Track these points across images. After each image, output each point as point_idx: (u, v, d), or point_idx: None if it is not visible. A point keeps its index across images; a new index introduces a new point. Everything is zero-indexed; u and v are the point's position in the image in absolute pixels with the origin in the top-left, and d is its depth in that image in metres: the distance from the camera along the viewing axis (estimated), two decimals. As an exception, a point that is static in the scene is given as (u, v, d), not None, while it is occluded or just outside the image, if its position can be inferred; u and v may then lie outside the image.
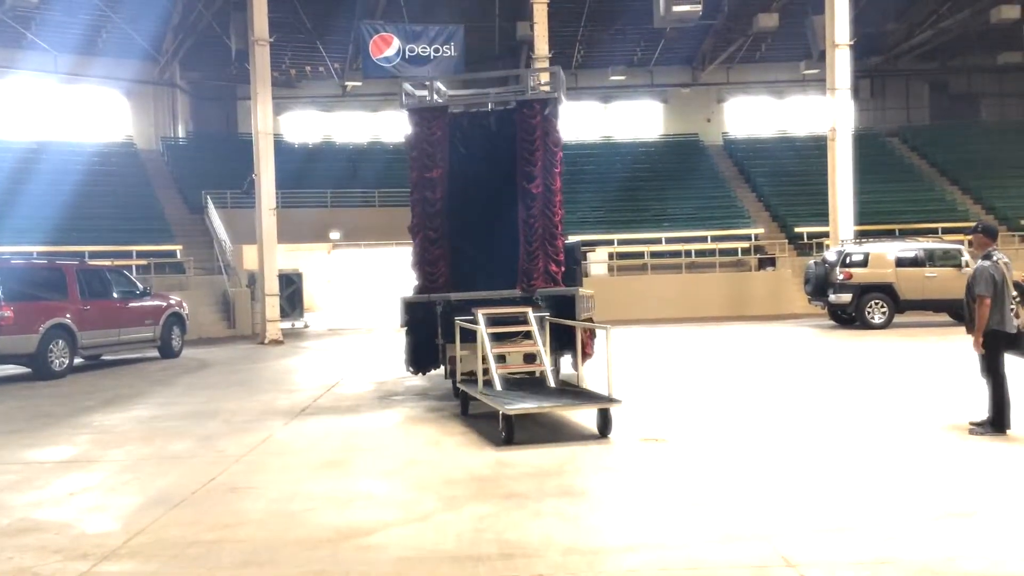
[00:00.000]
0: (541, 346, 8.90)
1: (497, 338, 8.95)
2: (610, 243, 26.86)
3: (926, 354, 14.10)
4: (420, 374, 10.95)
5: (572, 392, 8.59)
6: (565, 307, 9.94)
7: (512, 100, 10.85)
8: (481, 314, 8.95)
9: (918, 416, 8.36)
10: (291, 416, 9.41)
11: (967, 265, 18.87)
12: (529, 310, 9.29)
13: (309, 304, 31.17)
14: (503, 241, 10.52)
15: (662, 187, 30.47)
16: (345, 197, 29.73)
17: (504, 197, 10.53)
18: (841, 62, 22.10)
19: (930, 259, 19.21)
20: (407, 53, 26.60)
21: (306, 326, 24.86)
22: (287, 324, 23.41)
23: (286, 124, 34.99)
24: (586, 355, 10.84)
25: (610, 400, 7.77)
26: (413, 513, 5.47)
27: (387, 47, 26.57)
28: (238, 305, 23.38)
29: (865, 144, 28.95)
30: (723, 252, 26.65)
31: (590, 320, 11.70)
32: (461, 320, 9.29)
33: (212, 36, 29.03)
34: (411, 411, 9.68)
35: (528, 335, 9.09)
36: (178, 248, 25.28)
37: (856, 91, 28.13)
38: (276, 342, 19.88)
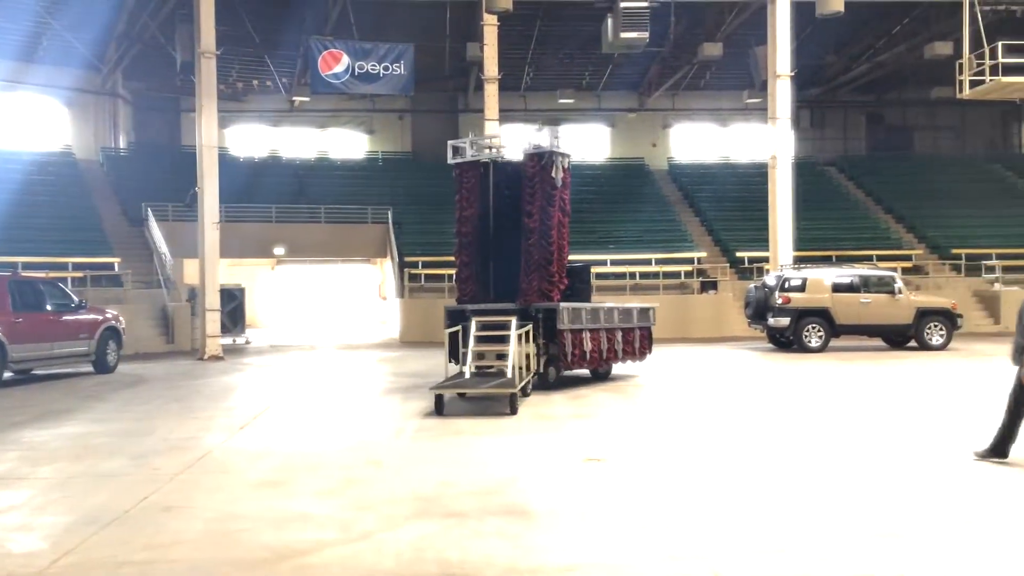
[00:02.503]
0: (511, 347, 10.98)
1: (486, 340, 11.55)
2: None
3: (859, 377, 14.47)
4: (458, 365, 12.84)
5: (506, 383, 10.61)
6: (552, 319, 12.19)
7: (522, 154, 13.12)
8: (475, 321, 11.72)
9: (851, 436, 8.56)
10: (229, 434, 9.25)
11: (900, 292, 19.50)
12: (513, 319, 11.46)
13: (252, 320, 30.69)
14: (517, 264, 12.73)
15: (608, 210, 30.80)
16: (291, 213, 29.44)
17: (518, 229, 12.74)
18: (782, 92, 22.68)
19: (865, 285, 19.76)
20: (356, 70, 26.53)
21: (248, 342, 24.47)
22: (228, 340, 23.00)
23: (232, 138, 34.56)
24: (642, 355, 14.54)
25: (514, 387, 10.44)
26: (353, 533, 5.42)
27: (336, 63, 26.47)
28: (177, 320, 22.92)
29: (804, 172, 29.71)
30: (667, 275, 27.02)
31: (648, 330, 14.80)
32: (464, 324, 11.96)
33: (157, 46, 28.58)
34: (352, 429, 9.60)
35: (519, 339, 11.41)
36: (116, 261, 24.71)
37: (796, 121, 28.92)
38: (216, 358, 19.52)
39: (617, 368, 14.55)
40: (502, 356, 11.21)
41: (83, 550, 5.13)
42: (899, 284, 19.75)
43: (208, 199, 20.43)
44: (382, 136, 36.20)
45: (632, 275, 26.79)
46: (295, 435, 9.25)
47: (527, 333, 11.73)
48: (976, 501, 6.10)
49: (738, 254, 28.01)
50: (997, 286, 26.31)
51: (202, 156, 20.53)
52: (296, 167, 33.77)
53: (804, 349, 19.02)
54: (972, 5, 22.50)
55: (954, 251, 28.29)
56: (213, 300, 20.43)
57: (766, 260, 24.12)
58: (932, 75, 31.73)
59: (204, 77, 20.46)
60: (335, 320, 34.70)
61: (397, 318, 26.77)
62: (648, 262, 27.36)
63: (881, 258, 26.84)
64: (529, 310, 12.23)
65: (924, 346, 19.07)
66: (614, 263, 27.24)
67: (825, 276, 19.94)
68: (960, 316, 19.78)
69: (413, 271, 26.72)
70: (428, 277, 26.80)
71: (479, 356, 11.48)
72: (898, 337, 19.79)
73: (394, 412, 10.83)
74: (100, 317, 16.61)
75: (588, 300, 13.90)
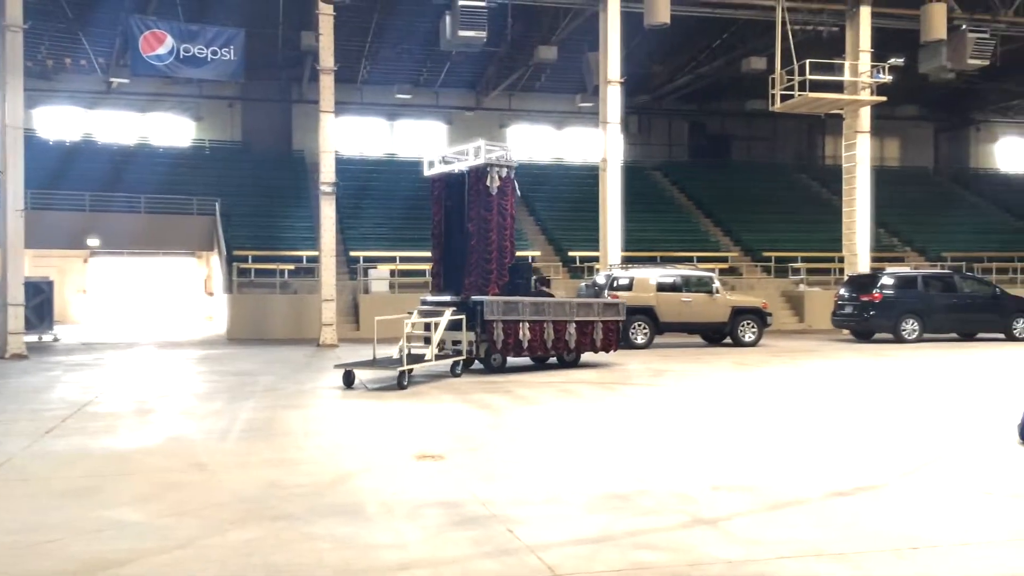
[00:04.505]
0: (437, 333, 13.21)
1: (425, 327, 13.77)
2: (392, 260, 26.81)
3: (683, 370, 15.27)
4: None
5: (395, 364, 12.35)
6: (481, 310, 13.87)
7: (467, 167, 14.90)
8: (417, 310, 14.39)
9: (671, 426, 9.01)
10: (34, 438, 8.55)
11: (717, 291, 20.72)
12: (448, 310, 13.74)
13: (62, 316, 28.56)
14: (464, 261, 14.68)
15: (444, 207, 30.81)
16: (107, 201, 27.61)
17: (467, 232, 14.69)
18: (613, 98, 23.52)
19: (686, 285, 20.85)
20: (182, 53, 25.17)
21: (56, 339, 22.73)
22: (34, 337, 21.28)
23: (40, 119, 32.01)
24: (605, 347, 15.69)
25: (403, 367, 12.15)
26: (172, 540, 5.15)
27: (160, 45, 25.00)
28: (-26, 316, 20.94)
29: (632, 176, 30.96)
30: (502, 272, 27.37)
31: (615, 323, 15.92)
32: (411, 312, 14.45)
33: (-48, 15, 25.98)
34: (172, 431, 9.12)
35: (453, 325, 13.76)
36: (-99, 250, 22.27)
37: (626, 126, 30.06)
38: (19, 356, 18.01)
39: (604, 358, 16.45)
40: (428, 340, 13.22)
41: None
42: (716, 284, 20.99)
43: (12, 184, 18.80)
44: (210, 123, 34.62)
45: (468, 272, 26.96)
46: (108, 439, 8.67)
47: (466, 323, 13.75)
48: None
49: (571, 253, 28.83)
50: (802, 287, 28.51)
51: (5, 137, 18.87)
52: (113, 152, 31.72)
53: (630, 346, 19.80)
54: (784, 24, 24.25)
55: (764, 253, 30.38)
56: (16, 294, 18.84)
57: (597, 260, 24.94)
58: (748, 88, 33.86)
59: (9, 52, 18.84)
60: (157, 316, 32.84)
61: (225, 314, 25.68)
62: (484, 260, 27.59)
63: (701, 259, 28.43)
64: (468, 302, 14.05)
65: (738, 342, 20.37)
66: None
67: (651, 276, 20.88)
68: (770, 315, 21.28)
69: (243, 265, 25.69)
70: (259, 272, 25.87)
71: (424, 340, 13.54)
72: (715, 334, 21.04)
73: (219, 413, 10.38)
74: None
75: (527, 294, 15.10)
